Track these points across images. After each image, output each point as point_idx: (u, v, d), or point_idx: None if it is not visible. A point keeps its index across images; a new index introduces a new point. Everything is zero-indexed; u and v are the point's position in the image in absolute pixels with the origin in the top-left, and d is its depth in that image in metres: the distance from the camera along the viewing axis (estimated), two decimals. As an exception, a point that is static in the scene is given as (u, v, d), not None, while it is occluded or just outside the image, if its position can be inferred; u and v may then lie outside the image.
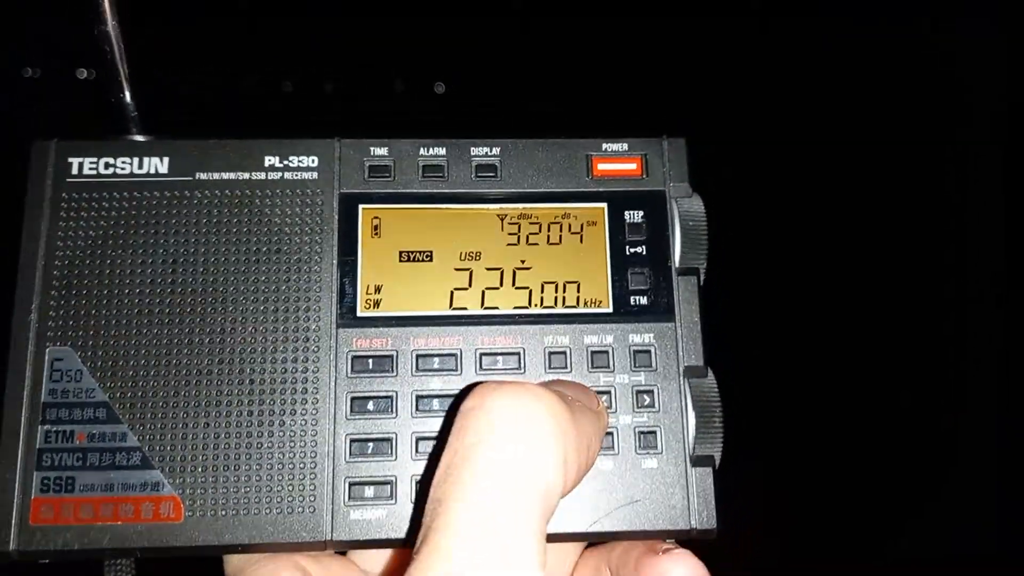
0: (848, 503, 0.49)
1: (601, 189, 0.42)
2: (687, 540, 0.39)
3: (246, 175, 0.41)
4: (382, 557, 0.42)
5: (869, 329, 0.53)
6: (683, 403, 0.40)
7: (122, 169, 0.41)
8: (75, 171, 0.41)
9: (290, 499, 0.38)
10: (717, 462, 0.39)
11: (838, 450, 0.51)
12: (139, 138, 0.42)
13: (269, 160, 0.41)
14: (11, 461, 0.37)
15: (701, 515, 0.38)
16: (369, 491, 0.38)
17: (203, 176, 0.41)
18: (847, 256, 0.55)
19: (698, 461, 0.39)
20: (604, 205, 0.42)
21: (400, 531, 0.38)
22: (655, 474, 0.39)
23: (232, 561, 0.39)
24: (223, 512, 0.37)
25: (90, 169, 0.41)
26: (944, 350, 0.55)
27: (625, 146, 0.43)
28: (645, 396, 0.40)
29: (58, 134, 0.40)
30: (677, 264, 0.41)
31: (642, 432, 0.39)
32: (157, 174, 0.41)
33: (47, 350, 0.39)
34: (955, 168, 0.61)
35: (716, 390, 0.40)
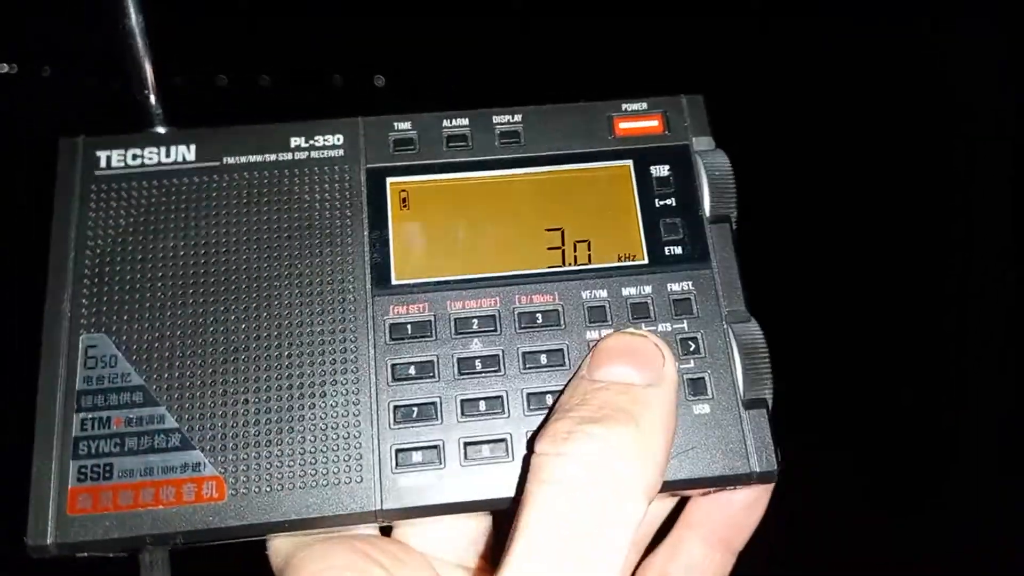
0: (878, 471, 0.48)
1: (625, 147, 0.43)
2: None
3: (273, 156, 0.41)
4: (436, 541, 0.40)
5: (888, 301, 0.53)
6: (729, 348, 0.39)
7: (150, 159, 0.41)
8: (103, 164, 0.41)
9: (336, 471, 0.37)
10: (769, 404, 0.38)
11: (864, 419, 0.50)
12: (162, 130, 0.42)
13: (295, 141, 0.42)
14: (47, 452, 0.36)
15: (761, 457, 0.37)
16: (417, 456, 0.37)
17: (230, 160, 0.41)
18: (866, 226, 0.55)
19: (750, 404, 0.38)
20: (629, 162, 0.42)
21: (451, 496, 0.37)
22: (708, 420, 0.38)
23: (280, 551, 0.38)
24: (268, 488, 0.36)
25: (118, 162, 0.41)
26: (963, 320, 0.54)
27: (645, 105, 0.44)
28: (690, 343, 0.39)
29: (72, 131, 0.41)
30: (708, 213, 0.41)
31: (691, 379, 0.38)
32: (185, 161, 0.41)
33: (81, 337, 0.38)
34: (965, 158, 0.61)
35: (760, 333, 0.39)
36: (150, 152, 0.41)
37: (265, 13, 0.50)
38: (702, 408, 0.38)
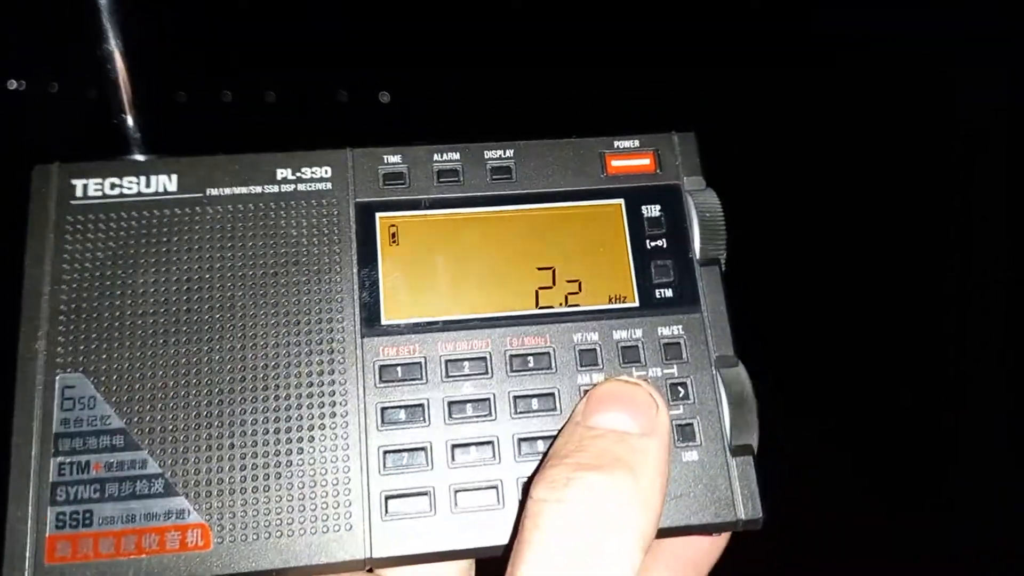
0: (876, 493, 0.49)
1: (616, 186, 0.42)
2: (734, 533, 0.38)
3: (258, 188, 0.40)
4: None
5: (883, 323, 0.53)
6: (717, 394, 0.39)
7: (129, 189, 0.40)
8: (79, 193, 0.39)
9: (324, 517, 0.36)
10: (755, 450, 0.39)
11: (862, 440, 0.51)
12: (141, 157, 0.40)
13: (281, 173, 0.41)
14: (23, 498, 0.35)
15: (746, 506, 0.38)
16: (406, 503, 0.37)
17: (214, 192, 0.40)
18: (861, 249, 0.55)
19: (737, 451, 0.38)
20: (621, 201, 0.42)
21: (441, 544, 0.36)
22: (696, 467, 0.38)
23: None
24: (255, 536, 0.36)
25: (95, 190, 0.39)
26: (968, 343, 0.56)
27: (637, 143, 0.43)
28: (679, 388, 0.39)
29: (48, 155, 0.39)
30: (698, 255, 0.41)
31: (680, 425, 0.39)
32: (166, 192, 0.40)
33: (57, 378, 0.37)
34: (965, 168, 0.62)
35: (748, 379, 0.40)
36: (129, 181, 0.40)
37: (271, 29, 0.48)
38: (691, 455, 0.38)
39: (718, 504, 0.38)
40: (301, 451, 0.37)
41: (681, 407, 0.39)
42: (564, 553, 0.30)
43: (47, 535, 0.35)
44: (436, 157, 0.42)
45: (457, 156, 0.42)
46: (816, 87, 0.58)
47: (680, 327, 0.40)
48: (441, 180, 0.42)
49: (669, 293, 0.41)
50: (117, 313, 0.38)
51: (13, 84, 0.43)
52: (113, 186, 0.40)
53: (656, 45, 0.57)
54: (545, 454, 0.37)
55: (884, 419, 0.52)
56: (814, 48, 0.59)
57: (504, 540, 0.36)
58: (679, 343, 0.40)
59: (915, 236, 0.56)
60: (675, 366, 0.40)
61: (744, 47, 0.59)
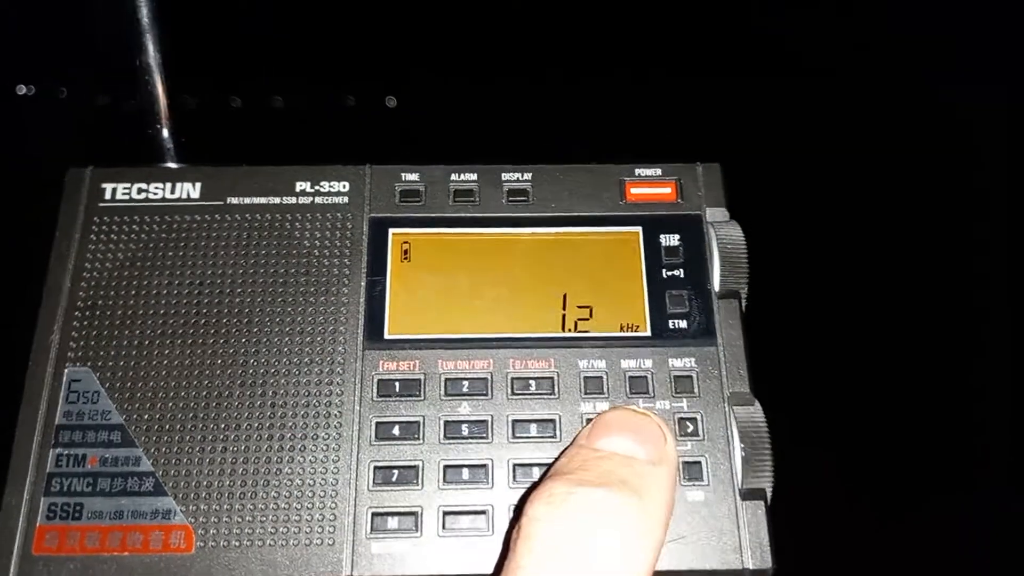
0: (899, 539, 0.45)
1: (635, 213, 0.41)
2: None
3: (277, 199, 0.41)
4: None
5: (910, 355, 0.50)
6: (729, 432, 0.37)
7: (154, 194, 0.41)
8: (108, 196, 0.41)
9: (308, 530, 0.35)
10: (768, 496, 0.36)
11: (886, 481, 0.47)
12: (173, 166, 0.42)
13: (300, 185, 0.41)
14: (19, 486, 0.36)
15: (755, 553, 0.35)
16: (393, 522, 0.35)
17: (234, 200, 0.41)
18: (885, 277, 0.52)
19: (748, 495, 0.36)
20: (639, 229, 0.41)
21: (424, 567, 0.35)
22: (702, 508, 0.36)
23: None
24: (236, 543, 0.35)
25: (123, 194, 0.41)
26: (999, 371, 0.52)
27: (659, 171, 0.42)
28: (688, 424, 0.37)
29: (84, 154, 0.41)
30: (717, 288, 0.40)
31: (686, 462, 0.37)
32: (189, 199, 0.41)
33: (66, 370, 0.37)
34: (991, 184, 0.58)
35: (763, 419, 0.37)
36: (155, 187, 0.41)
37: (279, 35, 0.50)
38: (696, 495, 0.36)
39: (724, 549, 0.35)
40: (292, 460, 0.36)
41: (689, 443, 0.37)
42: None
43: (37, 525, 0.35)
44: (453, 176, 0.42)
45: (474, 176, 0.42)
46: (849, 127, 0.56)
47: (693, 360, 0.38)
48: (457, 199, 0.42)
49: (683, 324, 0.39)
50: (130, 312, 0.39)
51: (23, 89, 0.45)
52: (140, 191, 0.41)
53: (685, 73, 0.57)
54: (539, 480, 0.36)
55: (912, 468, 0.48)
56: (847, 87, 0.57)
57: (490, 568, 0.35)
58: (691, 376, 0.38)
59: (943, 276, 0.52)
60: (685, 400, 0.38)
61: (779, 85, 0.58)
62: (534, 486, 0.35)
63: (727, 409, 0.37)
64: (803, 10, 0.60)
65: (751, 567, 0.35)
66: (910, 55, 0.58)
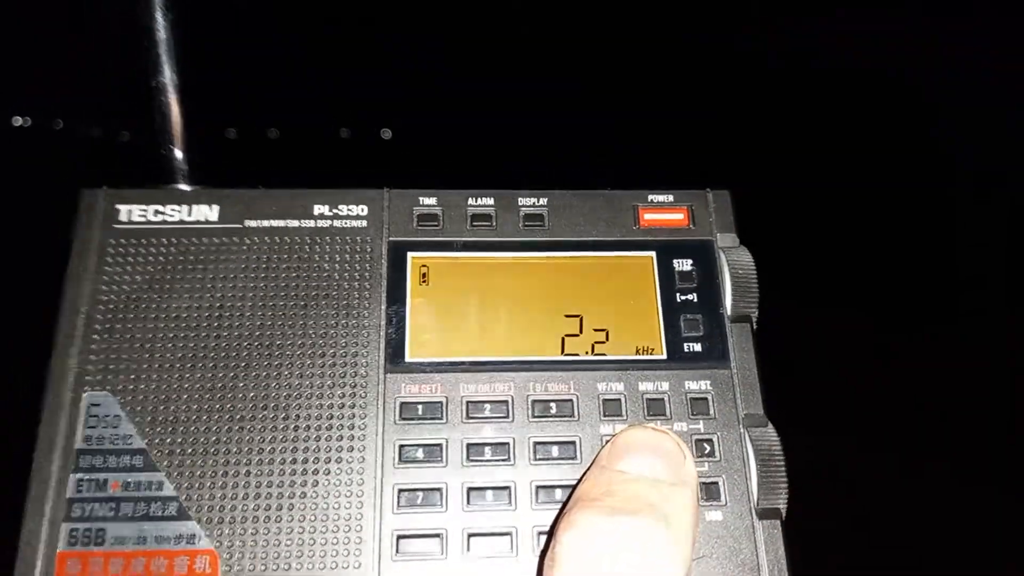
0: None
1: (648, 238, 0.42)
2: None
3: (295, 222, 0.41)
4: None
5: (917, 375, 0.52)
6: (744, 453, 0.38)
7: (172, 216, 0.41)
8: (123, 218, 0.41)
9: (334, 554, 0.35)
10: (783, 514, 0.37)
11: (901, 502, 0.48)
12: (185, 187, 0.42)
13: (318, 208, 0.42)
14: (39, 512, 0.35)
15: (772, 571, 0.36)
16: (418, 544, 0.36)
17: (252, 223, 0.41)
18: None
19: (764, 514, 0.37)
20: (652, 254, 0.42)
21: (451, 589, 0.35)
22: (719, 527, 0.37)
23: None
24: (262, 568, 0.35)
25: (139, 216, 0.41)
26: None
27: (671, 197, 0.44)
28: (705, 445, 0.38)
29: (84, 184, 0.40)
30: (729, 312, 0.41)
31: (704, 483, 0.37)
32: (207, 221, 0.41)
33: (84, 395, 0.37)
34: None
35: (778, 440, 0.38)
36: (172, 209, 0.41)
37: (275, 68, 0.50)
38: (715, 515, 0.37)
39: (742, 568, 0.36)
40: (316, 483, 0.36)
41: (706, 464, 0.38)
42: None
43: (58, 551, 0.35)
44: (471, 201, 0.43)
45: (491, 201, 0.43)
46: (861, 157, 0.58)
47: (708, 382, 0.39)
48: (474, 224, 0.42)
49: (698, 347, 0.40)
50: (149, 335, 0.38)
51: (18, 121, 0.45)
52: (157, 213, 0.41)
53: (694, 105, 0.58)
54: (564, 503, 0.36)
55: (925, 489, 0.50)
56: (861, 117, 0.59)
57: (515, 590, 0.35)
58: (706, 398, 0.39)
59: (950, 301, 0.54)
60: (701, 422, 0.39)
61: (789, 116, 0.59)
62: (560, 509, 0.36)
63: (742, 430, 0.39)
64: (812, 39, 0.61)
65: (768, 585, 0.36)
66: (925, 86, 0.60)
